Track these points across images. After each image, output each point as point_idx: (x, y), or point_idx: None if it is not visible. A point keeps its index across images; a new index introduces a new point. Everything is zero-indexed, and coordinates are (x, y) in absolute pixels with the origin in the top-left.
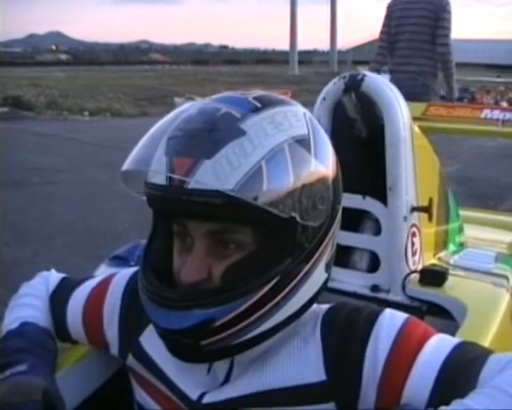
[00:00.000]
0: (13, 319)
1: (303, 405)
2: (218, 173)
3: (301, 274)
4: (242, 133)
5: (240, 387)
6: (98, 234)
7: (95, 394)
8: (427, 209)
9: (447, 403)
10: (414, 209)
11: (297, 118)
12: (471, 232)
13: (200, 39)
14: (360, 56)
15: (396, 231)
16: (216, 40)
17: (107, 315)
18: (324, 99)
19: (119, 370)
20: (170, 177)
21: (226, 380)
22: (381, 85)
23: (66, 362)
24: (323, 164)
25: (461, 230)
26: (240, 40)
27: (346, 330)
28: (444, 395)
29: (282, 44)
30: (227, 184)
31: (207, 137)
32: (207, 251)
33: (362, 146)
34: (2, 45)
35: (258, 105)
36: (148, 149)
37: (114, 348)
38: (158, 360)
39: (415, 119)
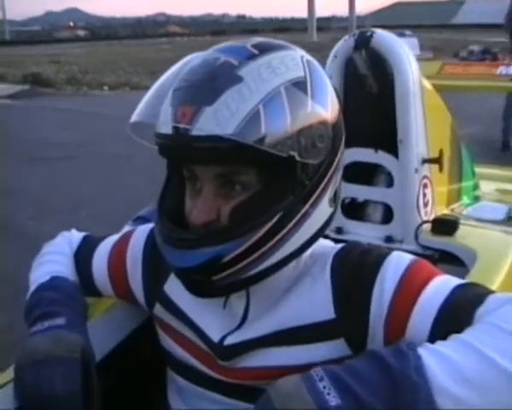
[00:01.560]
0: (42, 273)
1: (315, 342)
2: (219, 119)
3: (303, 210)
4: (240, 80)
5: (256, 328)
6: (121, 206)
7: (122, 344)
8: (437, 160)
9: (445, 339)
10: (425, 161)
11: (294, 62)
12: (486, 187)
13: (217, 10)
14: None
15: (408, 183)
16: (233, 10)
17: (130, 268)
18: (335, 56)
19: (143, 321)
20: (175, 126)
21: (244, 320)
22: (391, 41)
23: (93, 314)
24: (321, 104)
25: (476, 185)
26: (257, 9)
27: (355, 271)
28: (442, 331)
29: (300, 12)
30: (227, 128)
31: (208, 85)
32: (215, 193)
33: (373, 102)
34: (20, 24)
35: (256, 52)
36: (154, 101)
37: (141, 299)
38: (182, 305)
39: (430, 77)
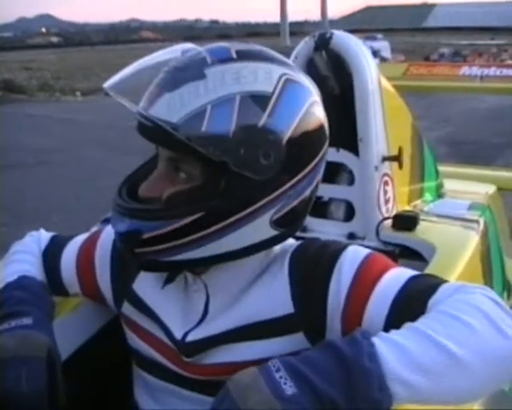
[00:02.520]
0: (10, 273)
1: (276, 336)
2: (170, 107)
3: (228, 220)
4: (202, 76)
5: (218, 325)
6: (94, 210)
7: (87, 343)
8: (397, 158)
9: (399, 328)
10: (385, 159)
11: (268, 76)
12: (451, 185)
13: (190, 15)
14: (352, 25)
15: (368, 181)
16: (206, 15)
17: (98, 267)
18: (296, 57)
19: (109, 321)
20: (142, 104)
21: (204, 315)
22: (349, 42)
23: (60, 313)
24: (279, 124)
25: (440, 184)
26: (230, 14)
27: (312, 265)
28: (397, 321)
29: (273, 17)
30: (173, 117)
31: (176, 74)
32: (164, 175)
33: (334, 102)
34: None
35: (234, 56)
36: (133, 76)
37: (109, 297)
38: (149, 302)
39: (396, 78)
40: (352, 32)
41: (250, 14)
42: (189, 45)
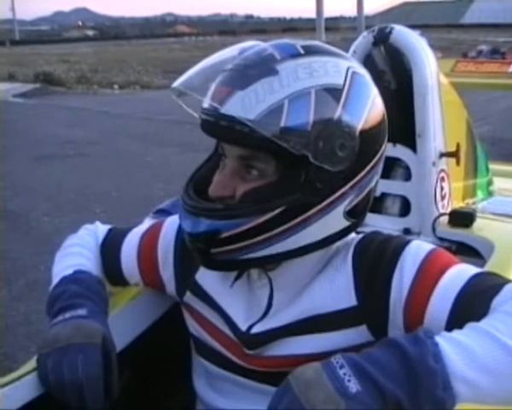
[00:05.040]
0: (66, 266)
1: (338, 329)
2: (245, 104)
3: (310, 212)
4: (275, 72)
5: (281, 317)
6: (133, 202)
7: (146, 332)
8: (454, 154)
9: (462, 328)
10: (442, 155)
11: (336, 69)
12: (500, 184)
13: (225, 9)
14: (389, 21)
15: (425, 176)
16: (241, 10)
17: (161, 257)
18: (355, 52)
19: (167, 309)
20: (210, 103)
21: (268, 308)
22: (409, 37)
23: (120, 302)
24: (352, 116)
25: (490, 182)
26: (265, 9)
27: (375, 259)
28: (460, 319)
29: (309, 12)
30: (250, 114)
31: (246, 72)
32: (235, 173)
33: (392, 97)
34: (29, 24)
35: (302, 51)
36: (200, 74)
37: (171, 288)
38: (213, 293)
39: (444, 74)
40: None
41: (285, 9)
42: (251, 43)
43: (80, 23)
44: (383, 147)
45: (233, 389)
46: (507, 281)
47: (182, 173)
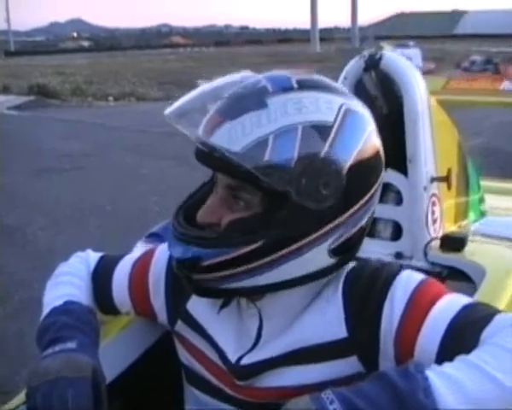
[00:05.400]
0: (56, 297)
1: (329, 360)
2: (232, 135)
3: (292, 247)
4: (264, 106)
5: (271, 348)
6: (129, 217)
7: (138, 361)
8: (445, 179)
9: (452, 360)
10: (433, 179)
11: (329, 106)
12: (492, 202)
13: (220, 21)
14: (382, 31)
15: (417, 201)
16: (236, 21)
17: (152, 286)
18: (346, 78)
19: (158, 339)
20: (201, 131)
21: (258, 339)
22: (399, 63)
23: (111, 332)
24: (340, 154)
25: (482, 200)
26: (260, 20)
27: (365, 290)
28: (450, 350)
29: (303, 23)
30: (235, 146)
31: (238, 102)
32: (223, 201)
33: (383, 122)
34: (24, 35)
35: (295, 85)
36: (192, 103)
37: (162, 317)
38: (204, 323)
39: (435, 92)
40: (383, 38)
41: (280, 20)
42: (247, 73)
43: (75, 34)
44: (375, 186)
45: None
46: (497, 311)
47: (177, 187)
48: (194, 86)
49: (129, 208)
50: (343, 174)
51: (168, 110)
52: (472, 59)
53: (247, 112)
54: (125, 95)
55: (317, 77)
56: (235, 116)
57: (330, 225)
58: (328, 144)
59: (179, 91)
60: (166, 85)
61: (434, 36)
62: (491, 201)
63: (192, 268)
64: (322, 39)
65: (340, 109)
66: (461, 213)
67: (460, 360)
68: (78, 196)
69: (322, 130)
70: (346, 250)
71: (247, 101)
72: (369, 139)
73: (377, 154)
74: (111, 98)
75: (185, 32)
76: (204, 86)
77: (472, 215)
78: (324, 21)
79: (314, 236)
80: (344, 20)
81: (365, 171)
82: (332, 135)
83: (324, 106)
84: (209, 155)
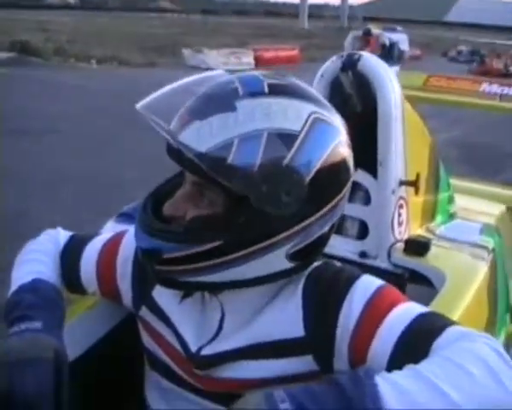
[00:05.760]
0: (24, 273)
1: (285, 357)
2: (199, 135)
3: (249, 249)
4: (233, 109)
5: (231, 341)
6: (104, 185)
7: (100, 341)
8: (414, 183)
9: (402, 367)
10: (402, 183)
11: (297, 114)
12: (462, 202)
13: None
14: (371, 12)
15: (384, 203)
16: None
17: (120, 268)
18: (322, 76)
19: (121, 321)
20: (173, 126)
21: (219, 331)
22: (376, 66)
23: (77, 311)
24: (303, 163)
25: (451, 200)
26: None
27: (325, 292)
28: (401, 357)
29: None
30: (201, 146)
31: (209, 103)
32: (188, 196)
33: (355, 120)
34: None
35: (266, 90)
36: (165, 98)
37: (127, 300)
38: (168, 311)
39: (415, 88)
40: (372, 20)
41: None
42: (220, 72)
43: None
44: (338, 196)
45: (183, 404)
46: (450, 323)
47: (154, 157)
48: (176, 55)
49: (105, 176)
50: (305, 183)
51: (140, 103)
52: (459, 49)
53: (216, 113)
54: (108, 58)
55: (290, 81)
56: (205, 116)
57: (290, 232)
58: (292, 153)
59: (162, 58)
60: (149, 51)
61: (425, 21)
62: (460, 202)
63: (153, 259)
64: (311, 15)
65: (308, 118)
66: (428, 216)
67: (410, 368)
68: (53, 161)
69: (287, 138)
70: (304, 256)
71: (217, 102)
72: (335, 150)
73: (343, 165)
74: (93, 61)
75: None
76: (178, 82)
77: (439, 218)
78: None
79: (273, 240)
80: None
81: (328, 181)
82: (297, 144)
83: (293, 114)
84: (177, 153)
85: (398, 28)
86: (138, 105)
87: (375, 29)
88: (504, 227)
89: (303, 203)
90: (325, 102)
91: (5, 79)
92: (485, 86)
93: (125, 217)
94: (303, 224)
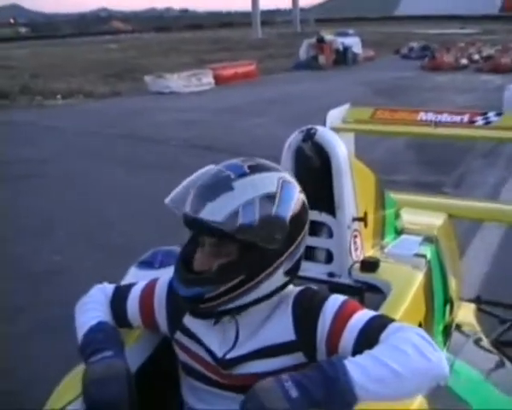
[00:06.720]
0: (89, 318)
1: (283, 355)
2: (214, 211)
3: (261, 277)
4: (232, 189)
5: (245, 347)
6: (93, 225)
7: (146, 361)
8: (363, 219)
9: (361, 353)
10: (354, 219)
11: (272, 181)
12: (408, 217)
13: (160, 3)
14: (322, 14)
15: (342, 236)
16: (176, 4)
17: (157, 306)
18: (289, 146)
19: (160, 343)
20: (191, 209)
21: (236, 340)
22: (329, 137)
23: (128, 340)
24: (283, 210)
25: (397, 216)
26: (200, 3)
27: (307, 307)
28: (361, 347)
29: (244, 5)
30: (218, 217)
31: (213, 188)
32: (210, 253)
33: (317, 177)
34: None
35: (247, 171)
36: (183, 192)
37: (164, 328)
38: (197, 332)
39: (364, 121)
40: (324, 21)
41: (221, 2)
42: (211, 166)
43: (12, 20)
44: (306, 227)
45: (213, 399)
46: (392, 321)
47: (136, 194)
48: (137, 80)
49: (92, 217)
50: (287, 224)
51: (169, 198)
52: (410, 45)
53: (221, 194)
54: (73, 92)
55: (259, 161)
56: (214, 198)
57: (284, 257)
58: (275, 206)
59: (124, 85)
60: (111, 79)
61: (375, 18)
62: (407, 216)
63: (197, 301)
64: (264, 22)
65: (279, 181)
66: (378, 237)
67: (366, 353)
68: (36, 206)
69: (270, 197)
70: (293, 270)
71: (220, 187)
72: (299, 198)
73: (305, 207)
74: (59, 96)
75: (125, 17)
76: (190, 178)
77: (388, 236)
78: (266, 3)
79: (275, 265)
80: (286, 2)
81: (299, 218)
82: (277, 200)
83: (268, 181)
84: (200, 225)
85: (350, 32)
86: (167, 200)
87: (328, 35)
88: (446, 233)
89: (288, 237)
90: (283, 169)
91: None
92: (421, 115)
93: (145, 264)
94: (290, 249)
